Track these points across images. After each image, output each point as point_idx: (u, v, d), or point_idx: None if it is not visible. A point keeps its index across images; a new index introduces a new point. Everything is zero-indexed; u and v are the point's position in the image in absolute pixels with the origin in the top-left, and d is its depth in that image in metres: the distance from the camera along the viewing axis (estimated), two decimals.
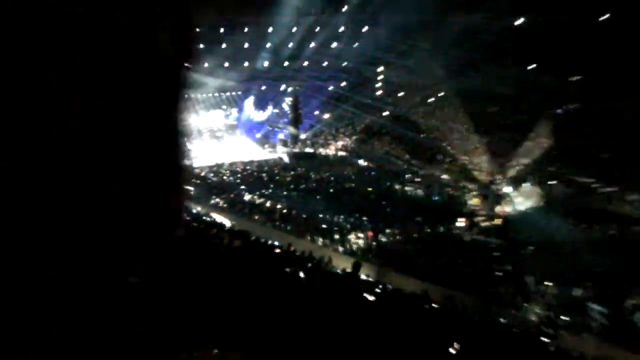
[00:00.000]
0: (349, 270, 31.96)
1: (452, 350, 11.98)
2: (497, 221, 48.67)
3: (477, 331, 19.90)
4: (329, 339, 9.30)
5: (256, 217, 49.96)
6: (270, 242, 34.84)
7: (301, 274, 17.46)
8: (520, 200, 53.01)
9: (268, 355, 7.81)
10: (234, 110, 76.76)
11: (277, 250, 28.98)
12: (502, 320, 25.64)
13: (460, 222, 47.25)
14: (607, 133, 59.63)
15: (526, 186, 54.83)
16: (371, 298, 18.91)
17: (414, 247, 43.04)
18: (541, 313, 31.66)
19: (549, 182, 55.05)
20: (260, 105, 79.20)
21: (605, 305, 32.06)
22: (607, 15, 66.25)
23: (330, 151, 72.82)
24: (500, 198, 53.28)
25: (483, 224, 47.94)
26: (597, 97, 64.01)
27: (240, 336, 8.00)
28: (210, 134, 72.41)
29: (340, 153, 71.85)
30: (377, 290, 24.19)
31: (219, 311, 8.86)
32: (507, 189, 54.87)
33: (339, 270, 29.96)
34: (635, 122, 57.80)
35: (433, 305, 23.12)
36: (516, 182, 55.94)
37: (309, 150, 73.53)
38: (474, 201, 53.11)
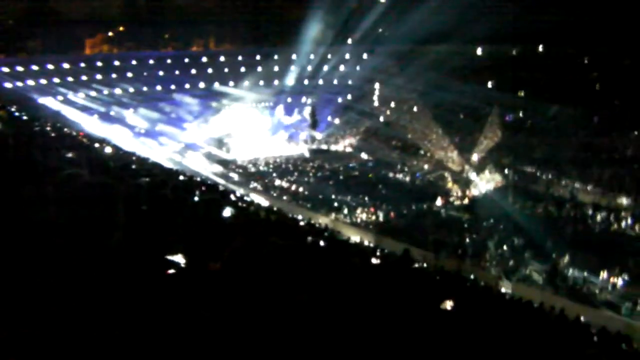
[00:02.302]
0: (354, 239, 32.32)
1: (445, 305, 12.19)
2: (466, 201, 49.03)
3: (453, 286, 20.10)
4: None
5: (284, 198, 50.30)
6: (295, 216, 35.18)
7: (321, 242, 17.61)
8: (483, 184, 53.23)
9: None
10: (268, 117, 77.11)
11: (301, 223, 29.13)
12: (470, 276, 25.86)
13: (438, 201, 47.61)
14: (545, 134, 61.42)
15: (487, 174, 55.08)
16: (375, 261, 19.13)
17: (404, 220, 43.48)
18: (499, 270, 32.08)
19: (504, 171, 55.38)
20: (287, 113, 79.56)
21: (545, 264, 32.58)
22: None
23: (340, 148, 73.09)
24: (468, 183, 53.53)
25: (455, 203, 48.28)
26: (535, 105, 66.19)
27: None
28: (249, 135, 72.70)
29: (347, 149, 72.14)
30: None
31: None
32: (473, 176, 55.06)
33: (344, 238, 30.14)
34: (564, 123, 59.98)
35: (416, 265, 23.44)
36: (479, 170, 56.18)
37: (323, 147, 73.83)
38: (448, 185, 53.39)
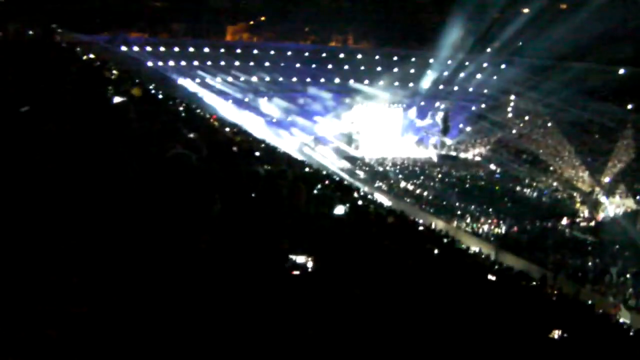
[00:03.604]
0: (473, 248, 31.81)
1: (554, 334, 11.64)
2: (593, 223, 47.69)
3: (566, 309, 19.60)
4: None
5: (407, 200, 49.98)
6: (416, 219, 34.80)
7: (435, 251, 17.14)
8: (612, 208, 51.67)
9: None
10: (399, 118, 76.70)
11: (421, 228, 28.71)
12: (588, 301, 24.99)
13: (564, 221, 46.44)
14: None
15: (617, 198, 53.49)
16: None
17: (526, 235, 42.60)
18: (620, 298, 30.93)
19: (636, 196, 53.62)
20: (419, 116, 79.04)
21: None
22: None
23: (469, 156, 72.20)
24: (596, 205, 51.99)
25: (581, 224, 47.00)
26: None
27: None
28: (379, 134, 72.56)
29: (476, 158, 71.16)
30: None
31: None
32: (603, 199, 53.51)
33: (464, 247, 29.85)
34: None
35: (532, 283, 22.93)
36: (609, 193, 54.56)
37: (452, 153, 73.11)
38: (576, 205, 52.03)
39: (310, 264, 6.94)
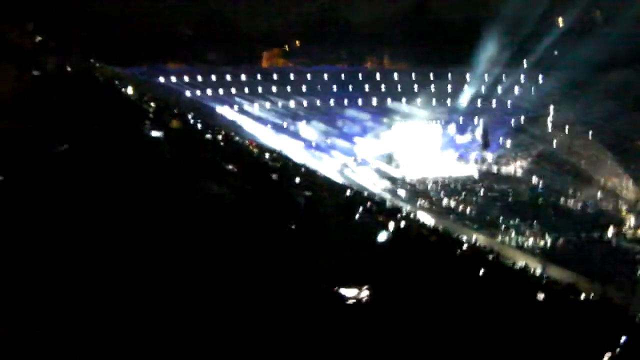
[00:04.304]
0: (519, 263, 31.52)
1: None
2: (639, 232, 47.15)
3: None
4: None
5: (450, 217, 49.78)
6: (460, 236, 34.64)
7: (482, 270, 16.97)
8: None
9: None
10: (439, 135, 76.54)
11: (465, 246, 28.46)
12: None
13: (610, 231, 45.91)
14: None
15: None
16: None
17: (573, 247, 42.25)
18: None
19: None
20: (458, 132, 78.79)
21: None
22: None
23: (510, 170, 71.72)
24: None
25: (628, 233, 46.49)
26: None
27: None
28: (419, 153, 72.47)
29: (518, 172, 70.67)
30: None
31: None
32: None
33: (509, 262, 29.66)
34: None
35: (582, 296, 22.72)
36: None
37: (493, 168, 72.69)
38: (622, 215, 51.43)
39: (362, 295, 6.89)
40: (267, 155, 36.23)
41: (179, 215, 6.03)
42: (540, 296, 17.74)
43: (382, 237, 8.86)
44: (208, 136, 23.92)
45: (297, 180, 22.98)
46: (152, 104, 29.62)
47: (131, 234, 5.83)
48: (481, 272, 16.70)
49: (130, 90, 39.91)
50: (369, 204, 26.20)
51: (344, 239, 8.59)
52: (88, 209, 6.35)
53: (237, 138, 40.61)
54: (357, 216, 15.20)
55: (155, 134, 12.42)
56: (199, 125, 34.83)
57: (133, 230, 5.95)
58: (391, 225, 17.70)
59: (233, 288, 5.72)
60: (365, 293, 6.97)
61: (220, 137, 28.20)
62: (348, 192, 33.55)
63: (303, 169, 37.63)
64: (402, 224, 23.70)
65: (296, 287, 6.26)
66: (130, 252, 5.61)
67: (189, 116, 38.76)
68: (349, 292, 6.94)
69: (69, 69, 34.11)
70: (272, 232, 7.27)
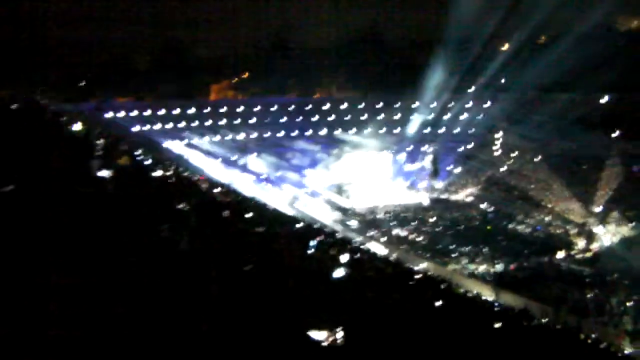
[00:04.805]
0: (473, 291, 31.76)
1: None
2: (589, 254, 47.75)
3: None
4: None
5: (402, 247, 49.89)
6: (412, 266, 34.78)
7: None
8: (607, 237, 51.73)
9: None
10: (388, 164, 76.78)
11: (418, 276, 28.57)
12: (591, 334, 24.86)
13: (560, 254, 46.48)
14: None
15: (611, 227, 53.57)
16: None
17: (524, 272, 42.70)
18: (624, 328, 30.91)
19: (629, 223, 53.73)
20: (408, 160, 79.14)
21: None
22: None
23: (460, 197, 72.18)
24: (591, 235, 52.03)
25: (578, 256, 47.06)
26: None
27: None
28: (369, 182, 72.63)
29: (468, 198, 71.12)
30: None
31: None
32: (596, 228, 53.55)
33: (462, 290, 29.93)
34: None
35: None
36: (603, 223, 54.62)
37: (443, 196, 73.07)
38: (571, 238, 52.06)
39: (335, 336, 6.84)
40: (217, 189, 36.10)
41: (127, 259, 5.94)
42: (496, 324, 17.90)
43: (338, 273, 8.80)
44: (157, 173, 23.74)
45: (249, 215, 22.92)
46: (101, 141, 29.37)
47: (70, 281, 5.74)
48: (436, 303, 16.79)
49: (78, 126, 39.60)
50: (321, 236, 26.15)
51: (300, 276, 8.55)
52: (28, 252, 6.25)
53: (186, 173, 40.39)
54: (310, 251, 15.18)
55: (102, 173, 12.30)
56: (149, 161, 34.64)
57: (72, 278, 5.86)
58: (344, 258, 17.72)
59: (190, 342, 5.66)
60: (339, 335, 6.94)
61: (170, 172, 28.01)
62: (300, 225, 33.51)
63: (254, 203, 37.54)
64: (355, 256, 23.73)
65: (262, 334, 6.22)
66: (68, 301, 5.52)
67: (138, 152, 38.53)
68: (320, 335, 6.90)
69: (14, 105, 33.76)
70: (227, 276, 7.22)
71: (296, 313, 6.86)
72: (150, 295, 5.48)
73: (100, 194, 10.38)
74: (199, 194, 25.32)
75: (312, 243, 19.65)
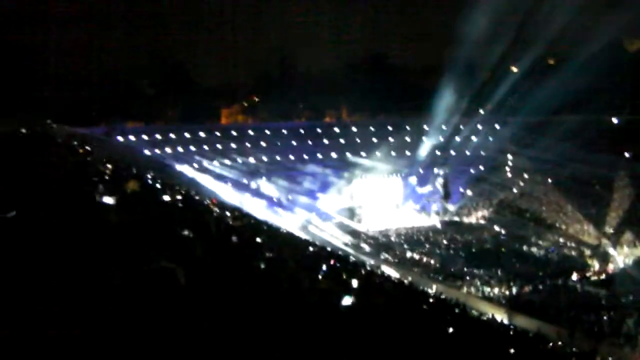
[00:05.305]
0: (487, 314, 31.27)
1: None
2: (603, 276, 47.17)
3: None
4: None
5: (414, 269, 49.45)
6: (425, 289, 34.44)
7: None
8: (621, 259, 51.15)
9: None
10: (400, 187, 76.46)
11: (431, 300, 28.17)
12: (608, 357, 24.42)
13: (574, 277, 45.91)
14: None
15: (625, 248, 53.02)
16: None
17: (538, 295, 42.16)
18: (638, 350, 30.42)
19: None
20: (419, 183, 78.81)
21: None
22: None
23: (472, 220, 71.72)
24: (605, 257, 51.46)
25: (592, 278, 46.47)
26: None
27: None
28: (381, 205, 72.29)
29: (480, 221, 70.65)
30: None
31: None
32: (610, 250, 52.98)
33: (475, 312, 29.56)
34: None
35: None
36: (617, 244, 54.05)
37: (455, 218, 72.63)
38: (584, 260, 51.49)
39: None
40: (227, 213, 35.74)
41: (122, 293, 5.50)
42: (511, 349, 17.41)
43: (346, 302, 8.36)
44: (165, 198, 23.36)
45: (259, 240, 22.52)
46: (109, 166, 29.08)
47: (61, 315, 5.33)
48: (450, 329, 16.31)
49: (87, 150, 39.43)
50: (332, 261, 25.76)
51: (308, 304, 8.06)
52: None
53: (197, 197, 40.05)
54: (320, 276, 14.73)
55: (106, 200, 11.86)
56: (158, 186, 34.32)
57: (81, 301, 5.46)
58: (355, 282, 17.29)
59: None
60: None
61: (179, 197, 27.65)
62: (311, 249, 33.16)
63: (265, 227, 37.19)
64: (367, 280, 23.33)
65: None
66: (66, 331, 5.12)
67: (148, 176, 38.24)
68: None
69: (23, 130, 33.61)
70: (231, 308, 6.75)
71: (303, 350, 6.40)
72: (136, 337, 5.02)
73: (101, 221, 9.95)
74: (208, 218, 24.91)
75: (323, 267, 19.25)
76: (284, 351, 6.15)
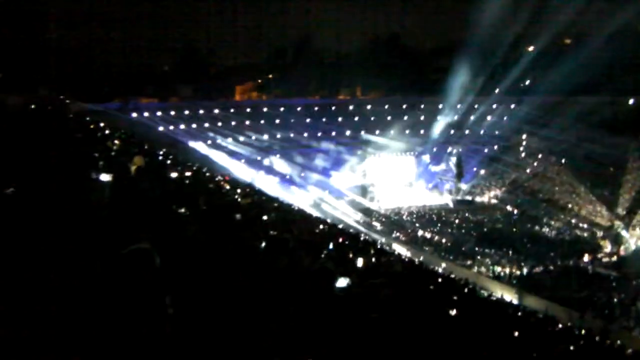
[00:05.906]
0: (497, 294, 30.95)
1: None
2: (615, 258, 46.81)
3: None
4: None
5: (426, 248, 49.19)
6: (436, 268, 34.18)
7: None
8: (633, 240, 50.74)
9: None
10: (413, 166, 76.09)
11: (441, 279, 27.79)
12: (617, 339, 24.01)
13: (585, 258, 45.55)
14: None
15: (637, 230, 52.58)
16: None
17: (549, 276, 41.83)
18: None
19: None
20: (432, 162, 78.43)
21: None
22: None
23: (485, 199, 71.36)
24: (617, 239, 51.06)
25: (604, 260, 46.11)
26: None
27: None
28: (394, 184, 71.98)
29: (492, 201, 70.30)
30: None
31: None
32: (623, 232, 52.56)
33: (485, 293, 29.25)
34: None
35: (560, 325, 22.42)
36: (629, 226, 53.62)
37: (468, 198, 72.27)
38: (596, 241, 51.12)
39: None
40: (239, 189, 35.45)
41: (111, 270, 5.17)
42: (519, 329, 17.10)
43: (341, 283, 8.05)
44: (173, 174, 23.01)
45: (265, 217, 22.19)
46: (116, 142, 28.75)
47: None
48: (457, 308, 16.01)
49: (101, 125, 39.15)
50: (341, 239, 25.45)
51: (300, 286, 7.70)
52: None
53: (209, 174, 39.66)
54: (322, 255, 14.38)
55: (103, 177, 11.49)
56: (168, 161, 34.03)
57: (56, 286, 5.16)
58: (360, 261, 16.99)
59: None
60: None
61: (188, 173, 27.30)
62: (321, 226, 32.86)
63: (275, 204, 36.84)
64: (376, 259, 23.01)
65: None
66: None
67: (159, 152, 37.91)
68: None
69: (32, 105, 33.33)
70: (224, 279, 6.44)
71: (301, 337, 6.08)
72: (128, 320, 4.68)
73: (90, 199, 9.64)
74: (214, 195, 24.59)
75: (329, 247, 18.93)
76: (267, 335, 5.83)
